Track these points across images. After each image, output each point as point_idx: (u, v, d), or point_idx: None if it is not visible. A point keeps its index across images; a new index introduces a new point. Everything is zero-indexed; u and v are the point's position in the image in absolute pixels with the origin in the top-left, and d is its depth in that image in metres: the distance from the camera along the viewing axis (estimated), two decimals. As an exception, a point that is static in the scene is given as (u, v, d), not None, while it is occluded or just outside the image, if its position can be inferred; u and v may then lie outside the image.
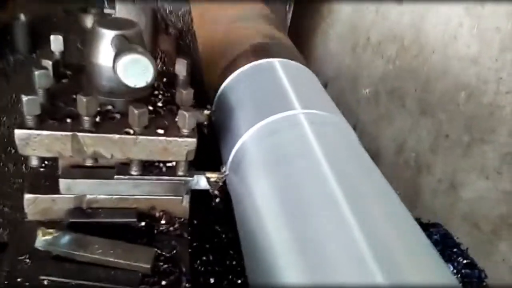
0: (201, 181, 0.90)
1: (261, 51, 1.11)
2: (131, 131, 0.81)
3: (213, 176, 0.90)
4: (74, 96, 0.84)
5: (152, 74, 0.68)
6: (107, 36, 0.81)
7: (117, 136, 0.80)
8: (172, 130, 0.83)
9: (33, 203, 0.84)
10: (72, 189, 0.84)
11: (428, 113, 1.96)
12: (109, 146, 0.80)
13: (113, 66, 0.67)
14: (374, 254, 0.60)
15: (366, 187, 0.75)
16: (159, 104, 0.89)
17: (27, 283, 0.73)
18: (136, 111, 0.79)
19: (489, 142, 1.75)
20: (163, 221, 0.88)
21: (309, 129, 0.83)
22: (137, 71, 0.66)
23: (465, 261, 1.29)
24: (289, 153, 0.81)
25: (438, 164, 1.96)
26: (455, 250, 1.33)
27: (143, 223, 0.86)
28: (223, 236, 1.06)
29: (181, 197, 0.89)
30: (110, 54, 0.80)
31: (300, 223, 0.69)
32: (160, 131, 0.82)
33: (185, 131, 0.82)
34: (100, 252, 0.77)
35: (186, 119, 0.81)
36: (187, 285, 0.78)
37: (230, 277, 1.00)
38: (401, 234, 0.68)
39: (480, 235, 1.79)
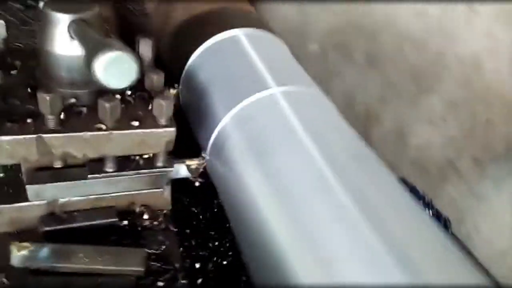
0: (181, 170, 0.85)
1: (223, 19, 1.05)
2: (103, 127, 0.73)
3: (193, 163, 0.85)
4: (30, 91, 0.75)
5: (136, 73, 0.61)
6: (62, 21, 0.71)
7: (88, 133, 0.72)
8: (148, 120, 0.77)
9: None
10: (42, 195, 0.76)
11: (376, 66, 1.99)
12: (80, 145, 0.73)
13: (89, 66, 0.59)
14: (384, 242, 0.59)
15: (356, 164, 0.74)
16: (128, 92, 0.81)
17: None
18: (107, 105, 0.71)
19: (434, 90, 1.81)
20: (145, 216, 0.83)
21: (289, 109, 0.80)
22: (118, 70, 0.59)
23: (431, 212, 1.36)
24: (274, 137, 0.78)
25: (387, 115, 2.01)
26: (421, 202, 1.39)
27: (125, 222, 0.80)
28: (201, 217, 1.02)
29: (161, 189, 0.84)
30: (68, 41, 0.71)
31: (298, 215, 0.67)
32: (135, 123, 0.75)
33: (162, 120, 0.76)
34: (86, 261, 0.71)
35: (163, 108, 0.75)
36: (183, 281, 0.75)
37: (215, 259, 0.98)
38: (405, 220, 0.67)
39: (429, 179, 1.88)
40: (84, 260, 0.71)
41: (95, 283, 0.71)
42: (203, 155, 0.86)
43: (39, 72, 0.78)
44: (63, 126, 0.72)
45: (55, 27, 0.73)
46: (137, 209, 0.83)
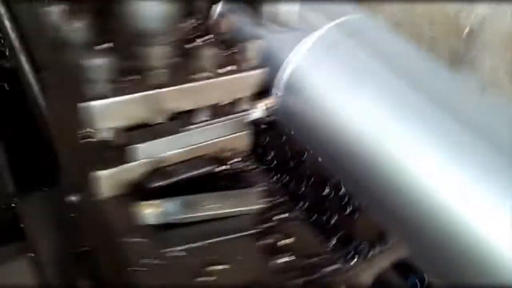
0: (257, 111, 0.88)
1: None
2: (205, 75, 0.73)
3: (268, 102, 0.88)
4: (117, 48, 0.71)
5: None
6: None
7: (197, 84, 0.72)
8: (236, 64, 0.77)
9: (108, 179, 0.73)
10: (145, 153, 0.75)
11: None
12: (188, 96, 0.72)
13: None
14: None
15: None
16: (200, 40, 0.80)
17: (154, 262, 0.68)
18: (210, 53, 0.71)
19: (379, 13, 1.96)
20: (235, 160, 0.85)
21: (363, 35, 0.86)
22: None
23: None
24: (359, 63, 0.83)
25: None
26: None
27: (222, 168, 0.82)
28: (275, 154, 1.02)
29: (245, 132, 0.86)
30: None
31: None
32: (229, 69, 0.76)
33: (252, 63, 0.77)
34: (211, 207, 0.74)
35: (254, 50, 0.76)
36: (296, 211, 0.80)
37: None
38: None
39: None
40: (208, 207, 0.74)
41: (222, 227, 0.74)
42: (274, 93, 0.89)
43: (116, 26, 0.73)
44: (169, 80, 0.70)
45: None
46: (225, 155, 0.85)
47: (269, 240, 0.73)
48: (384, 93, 0.79)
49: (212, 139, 0.82)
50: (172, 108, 0.72)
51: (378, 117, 0.77)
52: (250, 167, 0.85)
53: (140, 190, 0.75)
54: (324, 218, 0.93)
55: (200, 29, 0.82)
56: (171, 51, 0.73)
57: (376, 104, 0.78)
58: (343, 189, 0.94)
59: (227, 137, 0.84)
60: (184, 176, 0.78)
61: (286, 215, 0.79)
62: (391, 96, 0.79)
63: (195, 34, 0.80)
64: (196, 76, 0.73)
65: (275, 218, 0.78)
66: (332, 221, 0.94)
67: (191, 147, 0.80)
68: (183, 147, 0.79)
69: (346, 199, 0.95)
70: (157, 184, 0.76)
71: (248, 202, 0.76)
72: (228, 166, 0.83)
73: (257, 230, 0.75)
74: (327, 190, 0.96)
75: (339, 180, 0.92)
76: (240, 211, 0.75)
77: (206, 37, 0.80)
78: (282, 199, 0.81)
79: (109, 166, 0.72)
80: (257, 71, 0.78)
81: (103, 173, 0.72)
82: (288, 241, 0.74)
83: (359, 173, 0.81)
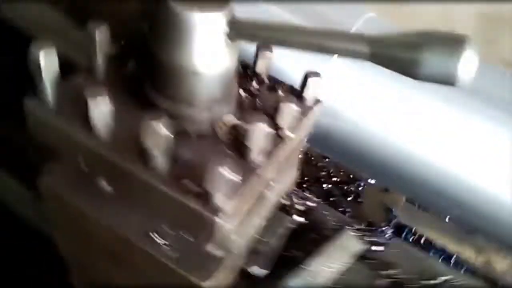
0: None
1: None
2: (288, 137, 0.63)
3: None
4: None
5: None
6: (206, 22, 0.53)
7: (286, 150, 0.62)
8: (300, 108, 0.68)
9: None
10: (241, 238, 0.64)
11: None
12: (277, 162, 0.62)
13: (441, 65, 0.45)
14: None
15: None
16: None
17: None
18: (289, 109, 0.61)
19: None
20: (295, 202, 0.79)
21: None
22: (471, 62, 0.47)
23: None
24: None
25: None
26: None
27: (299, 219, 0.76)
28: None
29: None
30: (218, 52, 0.55)
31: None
32: (299, 117, 0.67)
33: (316, 99, 0.70)
34: (324, 270, 0.68)
35: (314, 85, 0.68)
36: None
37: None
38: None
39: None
40: (322, 271, 0.68)
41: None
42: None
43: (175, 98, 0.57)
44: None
45: (191, 32, 0.53)
46: (284, 198, 0.77)
47: (387, 278, 0.71)
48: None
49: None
50: (271, 179, 0.62)
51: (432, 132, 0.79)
52: (310, 206, 0.80)
53: (247, 279, 0.65)
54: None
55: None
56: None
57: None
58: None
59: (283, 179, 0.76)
60: (277, 243, 0.70)
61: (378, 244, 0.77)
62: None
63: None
64: (284, 140, 0.62)
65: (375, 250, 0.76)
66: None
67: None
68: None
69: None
70: (263, 267, 0.66)
71: (351, 249, 0.72)
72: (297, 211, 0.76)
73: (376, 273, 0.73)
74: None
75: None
76: (350, 261, 0.71)
77: (256, 88, 0.68)
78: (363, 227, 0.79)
79: (213, 273, 0.60)
80: (318, 106, 0.70)
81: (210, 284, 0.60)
82: (396, 271, 0.73)
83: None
